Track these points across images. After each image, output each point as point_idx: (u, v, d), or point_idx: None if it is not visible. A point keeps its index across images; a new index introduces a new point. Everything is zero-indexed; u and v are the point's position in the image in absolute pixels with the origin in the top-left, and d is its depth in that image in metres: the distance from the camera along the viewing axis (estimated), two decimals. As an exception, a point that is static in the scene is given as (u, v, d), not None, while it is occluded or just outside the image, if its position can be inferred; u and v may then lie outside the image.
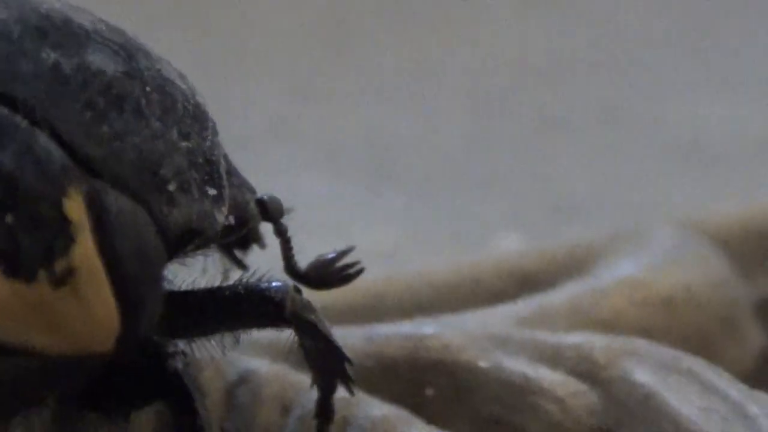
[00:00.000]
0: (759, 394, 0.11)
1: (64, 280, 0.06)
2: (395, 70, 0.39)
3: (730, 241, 0.16)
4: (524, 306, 0.14)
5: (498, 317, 0.14)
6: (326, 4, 0.43)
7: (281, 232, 0.08)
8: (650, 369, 0.12)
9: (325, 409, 0.09)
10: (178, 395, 0.07)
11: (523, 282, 0.15)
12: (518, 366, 0.12)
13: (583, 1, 0.43)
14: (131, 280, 0.07)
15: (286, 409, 0.11)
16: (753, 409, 0.10)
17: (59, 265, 0.06)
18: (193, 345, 0.08)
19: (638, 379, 0.11)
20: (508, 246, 0.26)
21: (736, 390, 0.11)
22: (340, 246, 0.09)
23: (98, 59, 0.07)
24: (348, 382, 0.09)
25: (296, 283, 0.08)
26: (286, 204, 0.09)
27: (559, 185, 0.31)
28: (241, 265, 0.10)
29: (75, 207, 0.06)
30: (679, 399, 0.11)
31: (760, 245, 0.16)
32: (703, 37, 0.40)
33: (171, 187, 0.07)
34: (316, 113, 0.36)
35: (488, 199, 0.30)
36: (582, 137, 0.34)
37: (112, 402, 0.08)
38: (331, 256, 0.08)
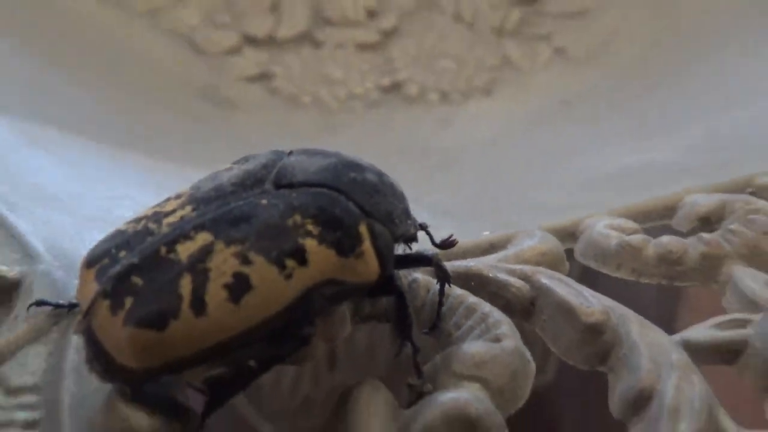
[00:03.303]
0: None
1: (359, 255, 0.13)
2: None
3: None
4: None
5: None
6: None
7: (430, 236, 0.15)
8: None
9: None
10: (400, 298, 0.14)
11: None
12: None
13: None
14: (383, 255, 0.13)
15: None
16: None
17: (357, 250, 0.13)
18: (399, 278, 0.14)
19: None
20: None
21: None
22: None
23: (369, 174, 0.14)
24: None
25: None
26: None
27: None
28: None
29: (363, 228, 0.13)
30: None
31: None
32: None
33: (396, 220, 0.14)
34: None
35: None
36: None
37: (359, 304, 0.15)
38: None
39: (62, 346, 0.14)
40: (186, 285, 0.12)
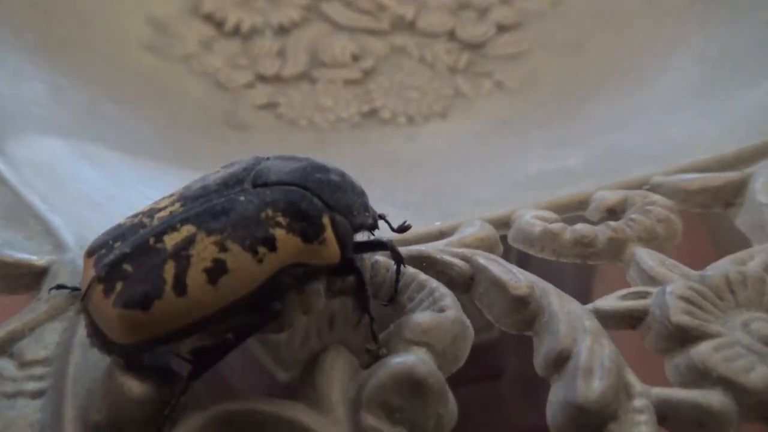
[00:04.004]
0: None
1: (322, 242, 0.11)
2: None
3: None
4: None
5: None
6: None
7: (389, 223, 0.14)
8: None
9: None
10: (359, 276, 0.12)
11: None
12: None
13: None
14: (343, 241, 0.12)
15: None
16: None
17: (320, 237, 0.11)
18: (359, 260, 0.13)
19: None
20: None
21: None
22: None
23: (333, 175, 0.12)
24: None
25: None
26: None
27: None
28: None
29: (326, 219, 0.11)
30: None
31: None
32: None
33: (355, 213, 0.12)
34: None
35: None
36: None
37: (331, 282, 0.13)
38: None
39: (75, 323, 0.12)
40: (169, 270, 0.10)
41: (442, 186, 0.22)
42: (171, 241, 0.10)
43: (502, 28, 0.31)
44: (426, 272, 0.13)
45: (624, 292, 0.13)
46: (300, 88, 0.29)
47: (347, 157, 0.26)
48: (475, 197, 0.20)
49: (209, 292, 0.10)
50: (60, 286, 0.12)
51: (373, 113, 0.28)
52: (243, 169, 0.12)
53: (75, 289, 0.12)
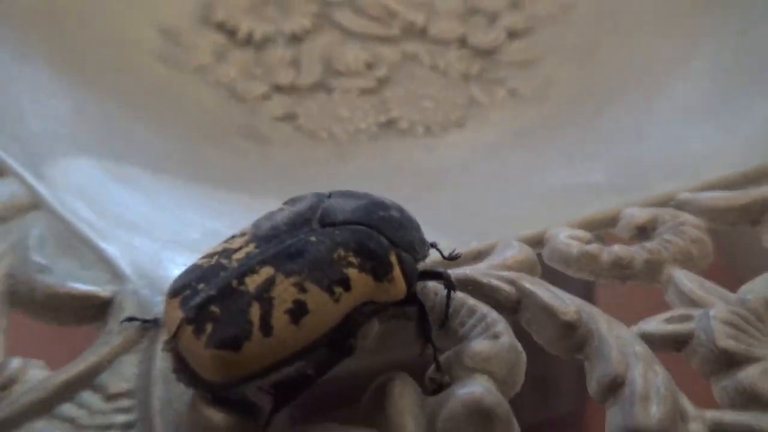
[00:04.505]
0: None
1: (390, 280, 0.12)
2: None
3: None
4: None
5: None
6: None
7: (440, 252, 0.14)
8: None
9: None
10: (422, 309, 0.13)
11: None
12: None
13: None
14: (409, 277, 0.12)
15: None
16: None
17: (389, 275, 0.12)
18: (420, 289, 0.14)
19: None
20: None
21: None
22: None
23: (393, 211, 0.13)
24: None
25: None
26: None
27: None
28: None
29: (393, 257, 0.12)
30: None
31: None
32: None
33: (416, 248, 0.13)
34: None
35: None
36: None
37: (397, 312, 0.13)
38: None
39: (151, 355, 0.12)
40: (255, 312, 0.11)
41: (467, 201, 0.23)
42: (252, 283, 0.11)
43: (512, 34, 0.32)
44: (472, 296, 0.14)
45: (668, 315, 0.13)
46: (316, 99, 0.29)
47: (369, 170, 0.26)
48: (502, 213, 0.21)
49: (293, 332, 0.11)
50: (131, 318, 0.13)
51: (390, 124, 0.28)
52: (308, 208, 0.12)
53: (145, 321, 0.13)
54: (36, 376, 0.12)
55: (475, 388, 0.11)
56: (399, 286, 0.12)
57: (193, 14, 0.32)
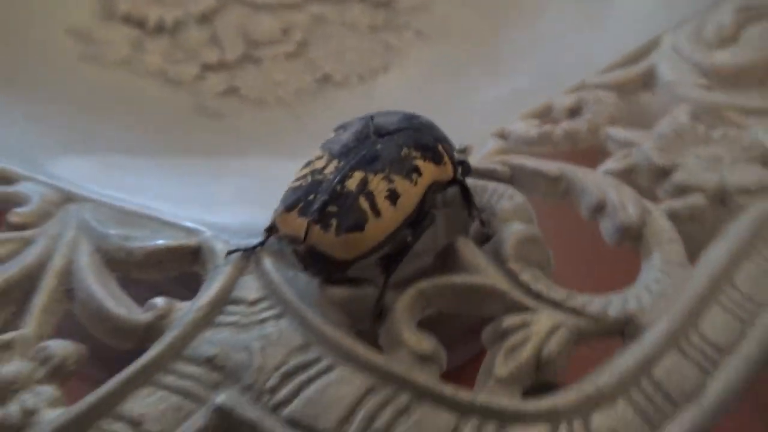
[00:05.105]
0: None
1: (444, 163, 0.16)
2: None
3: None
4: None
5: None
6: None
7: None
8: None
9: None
10: (464, 185, 0.16)
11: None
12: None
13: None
14: (453, 161, 0.16)
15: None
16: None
17: (443, 160, 0.16)
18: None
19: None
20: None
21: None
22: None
23: (423, 119, 0.16)
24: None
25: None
26: None
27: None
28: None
29: (440, 147, 0.16)
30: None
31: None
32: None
33: (447, 141, 0.16)
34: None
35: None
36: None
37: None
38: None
39: (264, 269, 0.15)
40: (364, 203, 0.14)
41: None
42: (352, 184, 0.14)
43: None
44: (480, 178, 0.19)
45: (618, 156, 0.19)
46: (248, 70, 0.32)
47: (322, 121, 0.30)
48: (452, 135, 0.25)
49: (394, 211, 0.14)
50: (233, 251, 0.16)
51: (326, 79, 0.32)
52: (363, 127, 0.16)
53: (247, 249, 0.16)
54: (180, 308, 0.15)
55: (518, 226, 0.16)
56: (449, 167, 0.16)
57: (96, 12, 0.33)
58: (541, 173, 0.18)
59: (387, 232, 0.14)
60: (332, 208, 0.14)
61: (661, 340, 0.13)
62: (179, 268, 0.16)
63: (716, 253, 0.15)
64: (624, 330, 0.14)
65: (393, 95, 0.30)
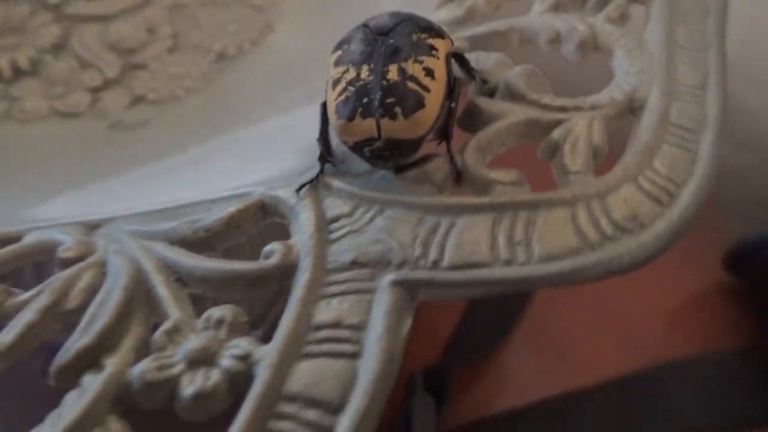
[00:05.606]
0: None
1: (446, 37, 0.18)
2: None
3: None
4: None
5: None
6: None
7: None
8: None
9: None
10: (460, 54, 0.18)
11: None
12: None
13: None
14: (450, 37, 0.17)
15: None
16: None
17: (445, 35, 0.18)
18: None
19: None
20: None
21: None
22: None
23: (410, 12, 0.17)
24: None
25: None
26: None
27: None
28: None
29: (437, 26, 0.17)
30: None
31: None
32: None
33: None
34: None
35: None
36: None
37: None
38: None
39: (335, 189, 0.17)
40: (411, 85, 0.16)
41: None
42: (393, 76, 0.16)
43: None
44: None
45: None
46: (141, 77, 0.31)
47: (246, 90, 0.29)
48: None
49: (435, 83, 0.16)
50: (301, 186, 0.17)
51: (223, 56, 0.32)
52: (364, 33, 0.17)
53: (312, 180, 0.17)
54: (294, 244, 0.16)
55: (518, 67, 0.19)
56: (449, 40, 0.18)
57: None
58: (496, 33, 0.21)
59: (439, 102, 0.16)
60: (390, 100, 0.16)
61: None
62: (256, 225, 0.17)
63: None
64: (632, 109, 0.18)
65: (295, 44, 0.31)
